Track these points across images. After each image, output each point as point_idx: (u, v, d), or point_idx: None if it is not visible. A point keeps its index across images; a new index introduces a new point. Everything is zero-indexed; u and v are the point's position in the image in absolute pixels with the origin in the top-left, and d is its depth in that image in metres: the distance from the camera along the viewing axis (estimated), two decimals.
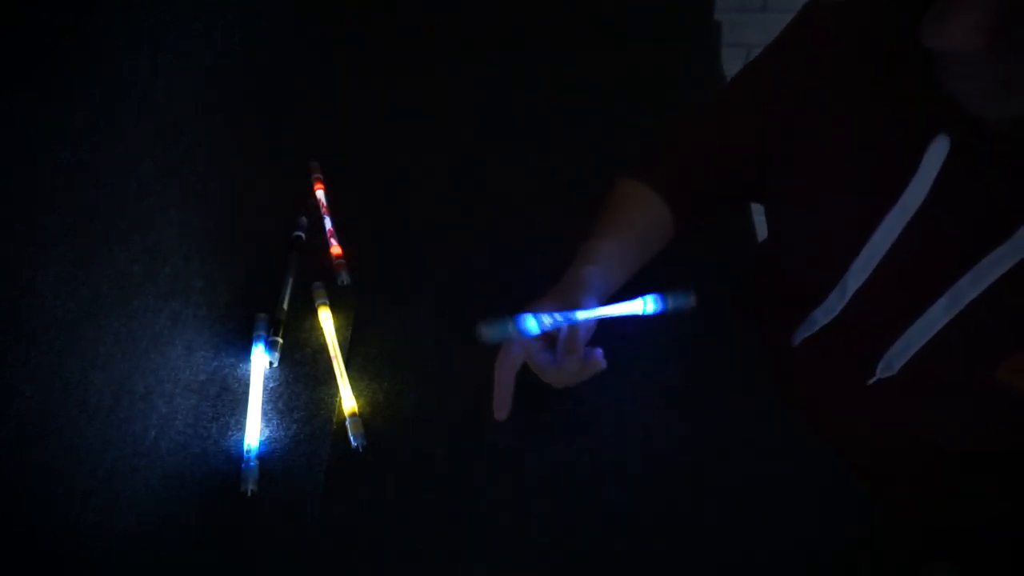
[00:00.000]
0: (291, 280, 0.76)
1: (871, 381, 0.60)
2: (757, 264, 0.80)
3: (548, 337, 0.60)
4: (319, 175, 0.87)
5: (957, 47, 0.43)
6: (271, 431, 0.65)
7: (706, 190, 0.72)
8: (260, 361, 0.68)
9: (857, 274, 0.58)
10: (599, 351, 0.58)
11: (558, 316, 0.56)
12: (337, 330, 0.72)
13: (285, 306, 0.74)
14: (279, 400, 0.67)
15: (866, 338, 0.59)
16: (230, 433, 0.64)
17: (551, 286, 0.63)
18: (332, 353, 0.70)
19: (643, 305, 0.58)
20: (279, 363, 0.70)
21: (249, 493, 0.60)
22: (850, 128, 0.57)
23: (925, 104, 0.51)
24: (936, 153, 0.51)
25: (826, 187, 0.60)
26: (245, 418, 0.64)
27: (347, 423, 0.64)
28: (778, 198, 0.67)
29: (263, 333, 0.70)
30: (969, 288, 0.51)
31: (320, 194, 0.85)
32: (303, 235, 0.81)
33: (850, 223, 0.57)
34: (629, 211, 0.71)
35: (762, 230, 0.87)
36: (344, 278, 0.77)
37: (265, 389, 0.68)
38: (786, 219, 0.67)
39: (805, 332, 0.65)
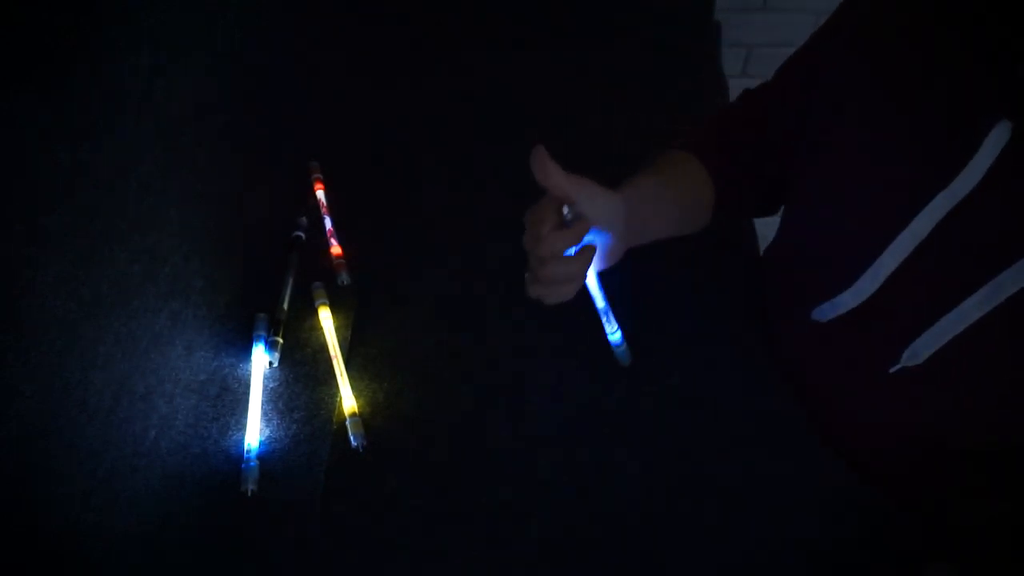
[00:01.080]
0: (291, 280, 0.76)
1: (894, 369, 0.59)
2: (770, 254, 0.79)
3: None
4: (319, 175, 0.87)
5: None
6: (271, 431, 0.65)
7: (744, 177, 0.72)
8: (260, 361, 0.68)
9: (892, 257, 0.56)
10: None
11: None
12: (337, 330, 0.72)
13: (285, 306, 0.74)
14: (279, 400, 0.67)
15: (894, 325, 0.58)
16: (230, 433, 0.64)
17: None
18: (332, 353, 0.70)
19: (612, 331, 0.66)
20: (279, 363, 0.70)
21: (249, 493, 0.60)
22: (906, 106, 0.56)
23: (991, 89, 0.50)
24: (996, 139, 0.50)
25: (873, 165, 0.58)
26: (245, 418, 0.64)
27: (347, 423, 0.64)
28: (817, 176, 0.66)
29: (263, 333, 0.70)
30: (1010, 283, 0.50)
31: (320, 194, 0.85)
32: (303, 235, 0.81)
33: (894, 203, 0.56)
34: (671, 167, 0.70)
35: (763, 227, 0.87)
36: (344, 278, 0.77)
37: (265, 389, 0.68)
38: (824, 197, 0.65)
39: (829, 314, 0.63)
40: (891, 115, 0.57)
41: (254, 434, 0.63)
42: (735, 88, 1.14)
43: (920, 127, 0.55)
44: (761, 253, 0.85)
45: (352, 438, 0.63)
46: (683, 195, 0.70)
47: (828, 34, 0.65)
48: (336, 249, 0.80)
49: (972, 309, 0.52)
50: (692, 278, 0.78)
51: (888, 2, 0.59)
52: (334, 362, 0.69)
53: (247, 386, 0.67)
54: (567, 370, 0.70)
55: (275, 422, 0.66)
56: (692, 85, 1.07)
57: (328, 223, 0.82)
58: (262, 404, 0.66)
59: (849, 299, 0.60)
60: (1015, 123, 0.49)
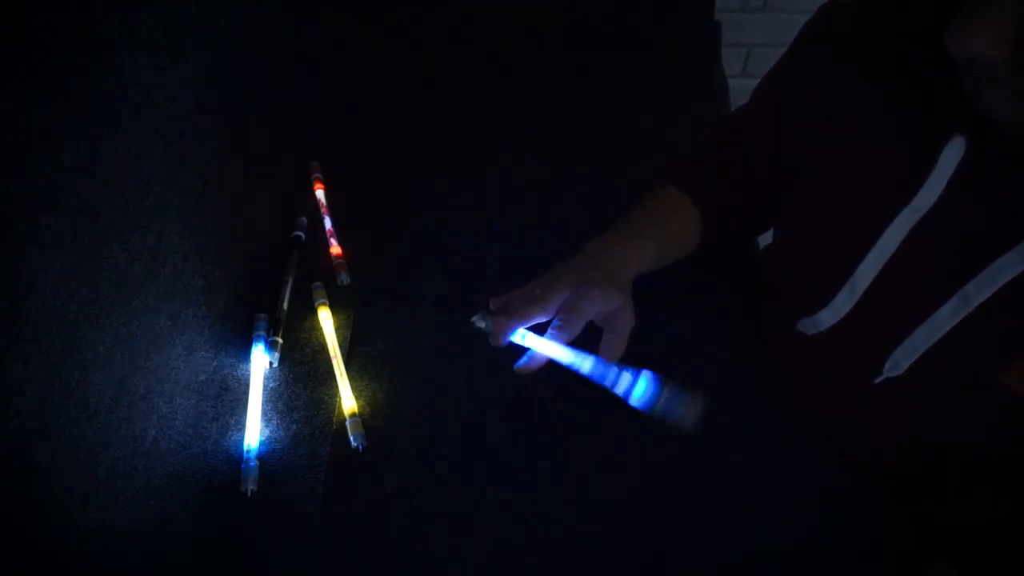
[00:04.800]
0: (291, 280, 0.76)
1: (878, 380, 0.60)
2: (762, 265, 0.80)
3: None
4: (319, 175, 0.88)
5: (980, 55, 0.43)
6: (271, 431, 0.65)
7: (732, 201, 0.73)
8: (260, 361, 0.68)
9: (865, 274, 0.58)
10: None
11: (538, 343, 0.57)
12: (337, 330, 0.72)
13: (285, 306, 0.74)
14: (279, 400, 0.67)
15: (875, 337, 0.59)
16: (230, 433, 0.64)
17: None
18: (332, 353, 0.70)
19: (632, 384, 0.55)
20: (279, 363, 0.70)
21: (249, 493, 0.60)
22: (866, 127, 0.57)
23: (943, 105, 0.51)
24: (951, 154, 0.51)
25: (839, 187, 0.60)
26: (245, 418, 0.64)
27: (347, 423, 0.64)
28: (790, 199, 0.67)
29: (263, 333, 0.70)
30: (978, 291, 0.51)
31: (320, 194, 0.85)
32: (303, 235, 0.81)
33: (861, 223, 0.57)
34: (658, 209, 0.72)
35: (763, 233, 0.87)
36: (344, 278, 0.77)
37: (265, 389, 0.68)
38: (797, 220, 0.67)
39: (811, 330, 0.65)
40: (854, 136, 0.58)
41: (254, 434, 0.63)
42: (735, 88, 1.14)
43: (882, 146, 0.56)
44: (760, 249, 0.86)
45: (352, 438, 0.63)
46: (670, 239, 0.72)
47: (794, 60, 0.66)
48: (336, 249, 0.80)
49: (944, 319, 0.53)
50: (691, 277, 0.78)
51: (847, 28, 0.60)
52: (334, 362, 0.69)
53: (247, 386, 0.67)
54: (566, 370, 0.69)
55: (275, 422, 0.66)
56: (692, 85, 1.07)
57: (328, 223, 0.82)
58: (262, 404, 0.66)
59: (827, 317, 0.62)
60: (968, 138, 0.49)
